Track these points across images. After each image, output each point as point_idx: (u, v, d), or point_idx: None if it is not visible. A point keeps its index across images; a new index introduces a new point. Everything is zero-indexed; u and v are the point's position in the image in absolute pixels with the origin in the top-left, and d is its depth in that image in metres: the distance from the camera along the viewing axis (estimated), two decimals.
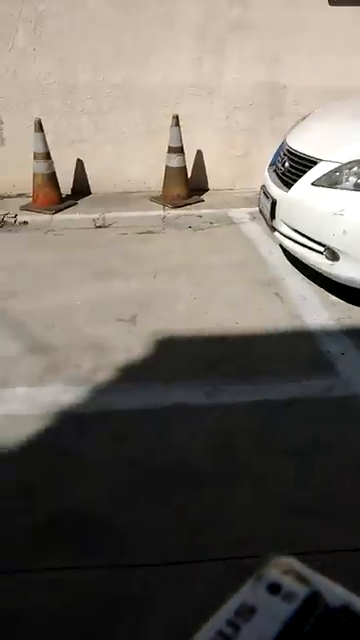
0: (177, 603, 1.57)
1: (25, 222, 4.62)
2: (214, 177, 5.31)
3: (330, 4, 4.96)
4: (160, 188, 5.03)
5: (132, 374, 2.62)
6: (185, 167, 4.96)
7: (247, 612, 0.50)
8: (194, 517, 1.85)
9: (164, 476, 2.02)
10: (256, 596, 0.51)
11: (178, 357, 2.75)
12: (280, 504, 1.90)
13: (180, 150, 4.87)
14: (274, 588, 0.51)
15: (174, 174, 4.91)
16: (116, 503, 1.91)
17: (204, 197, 5.15)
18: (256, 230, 4.32)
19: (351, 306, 3.23)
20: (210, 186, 5.34)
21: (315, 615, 0.49)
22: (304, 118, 3.85)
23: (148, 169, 5.11)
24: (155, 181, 5.04)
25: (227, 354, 2.79)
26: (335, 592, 0.51)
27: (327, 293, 3.36)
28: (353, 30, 5.06)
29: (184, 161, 4.92)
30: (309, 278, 3.51)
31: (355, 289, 3.11)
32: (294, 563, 0.54)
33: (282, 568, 0.53)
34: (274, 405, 2.41)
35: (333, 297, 3.32)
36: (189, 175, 5.16)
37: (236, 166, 5.21)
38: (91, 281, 3.55)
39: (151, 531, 1.80)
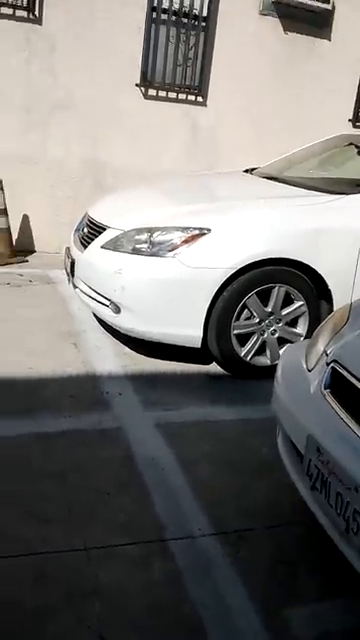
0: None
1: None
2: (41, 240, 5.69)
3: (145, 98, 5.78)
4: None
5: None
6: (9, 228, 5.28)
7: None
8: None
9: None
10: None
11: None
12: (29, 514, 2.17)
13: (3, 212, 5.20)
14: None
15: None
16: None
17: (29, 258, 5.48)
18: (71, 289, 4.69)
19: (140, 355, 3.65)
20: (37, 248, 5.71)
21: None
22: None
23: None
24: None
25: (14, 395, 3.05)
26: None
27: (121, 345, 3.77)
28: (164, 119, 5.90)
29: (7, 223, 5.25)
30: (108, 331, 3.91)
31: (146, 341, 3.54)
32: None
33: None
34: (46, 436, 2.70)
35: (127, 348, 3.73)
36: (15, 237, 5.50)
37: (62, 232, 5.61)
38: None
39: None
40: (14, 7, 5.20)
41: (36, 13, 5.28)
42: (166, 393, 3.21)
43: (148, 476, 2.48)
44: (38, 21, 5.32)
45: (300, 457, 2.05)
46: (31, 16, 5.27)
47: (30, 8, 5.25)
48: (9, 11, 5.21)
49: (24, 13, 5.26)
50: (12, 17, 5.23)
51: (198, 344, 3.39)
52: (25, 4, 5.23)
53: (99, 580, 1.94)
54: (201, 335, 3.37)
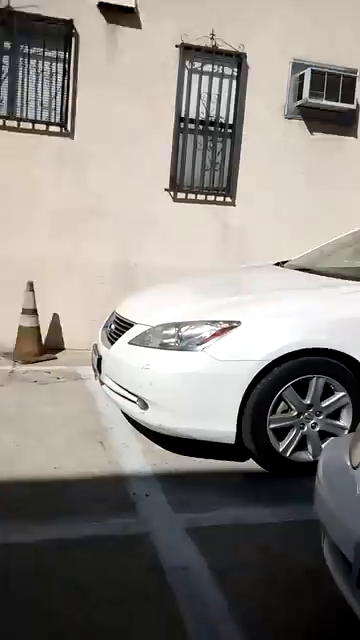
0: None
1: None
2: (71, 338, 5.67)
3: (174, 201, 5.95)
4: (14, 346, 5.28)
5: None
6: (38, 327, 5.29)
7: None
8: None
9: None
10: None
11: None
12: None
13: (33, 312, 5.24)
14: None
15: (27, 333, 5.23)
16: None
17: (59, 355, 5.44)
18: (99, 385, 4.58)
19: (169, 453, 3.44)
20: (67, 346, 5.68)
21: None
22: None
23: (4, 328, 5.37)
24: (10, 339, 5.30)
25: (36, 496, 2.85)
26: None
27: (150, 442, 3.57)
28: (193, 220, 6.01)
29: (37, 322, 5.27)
30: (136, 428, 3.73)
31: (176, 438, 3.35)
32: None
33: None
34: (68, 543, 2.47)
35: (156, 446, 3.53)
36: (45, 335, 5.50)
37: (93, 329, 5.60)
38: None
39: None
40: (47, 124, 5.53)
41: (68, 128, 5.59)
42: (198, 494, 2.96)
43: (178, 590, 2.20)
44: (70, 135, 5.62)
45: (349, 566, 1.78)
46: (63, 130, 5.58)
47: (63, 124, 5.57)
48: (42, 127, 5.53)
49: (57, 128, 5.57)
50: (45, 132, 5.55)
51: (232, 440, 3.17)
52: (58, 121, 5.56)
53: None
54: (234, 430, 3.16)
